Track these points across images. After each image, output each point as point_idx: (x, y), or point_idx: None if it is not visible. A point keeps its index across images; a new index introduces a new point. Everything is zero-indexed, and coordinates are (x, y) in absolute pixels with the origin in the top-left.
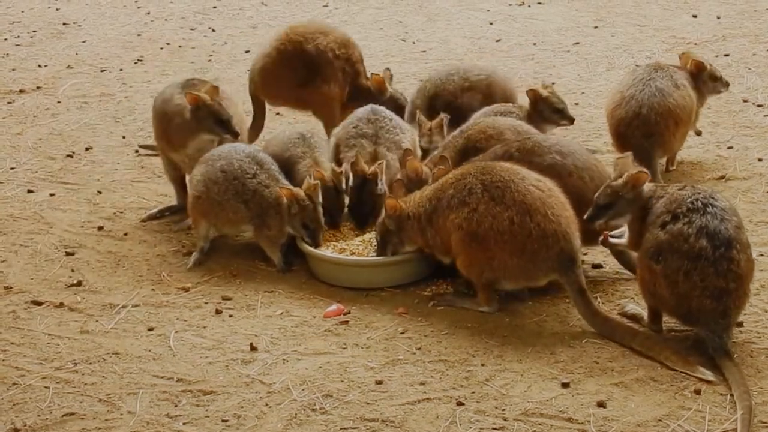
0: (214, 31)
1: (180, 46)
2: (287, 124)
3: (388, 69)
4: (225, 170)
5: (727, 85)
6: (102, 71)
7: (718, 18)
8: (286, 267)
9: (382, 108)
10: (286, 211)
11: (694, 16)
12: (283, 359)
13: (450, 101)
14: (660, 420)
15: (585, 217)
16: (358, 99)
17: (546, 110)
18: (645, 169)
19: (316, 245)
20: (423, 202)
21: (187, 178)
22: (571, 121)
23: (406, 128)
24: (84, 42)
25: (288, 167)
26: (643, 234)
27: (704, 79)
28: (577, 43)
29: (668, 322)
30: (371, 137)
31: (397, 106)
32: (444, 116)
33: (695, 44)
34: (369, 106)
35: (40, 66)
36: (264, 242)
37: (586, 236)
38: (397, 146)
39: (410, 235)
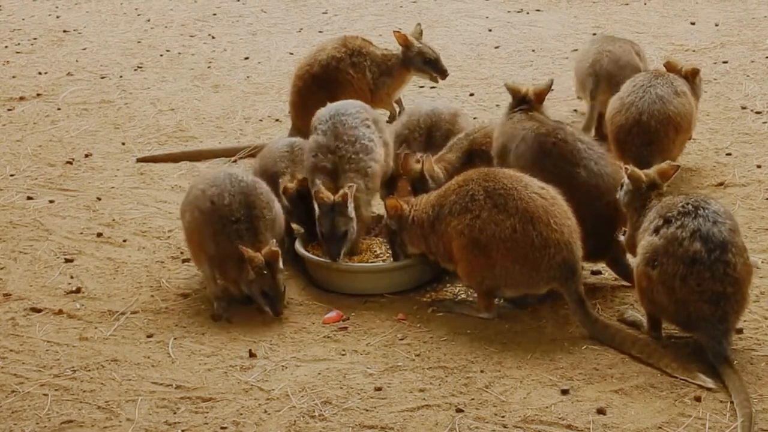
0: (213, 38)
1: (179, 53)
2: (286, 130)
3: (419, 24)
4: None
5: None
6: (102, 78)
7: (717, 25)
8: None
9: (346, 128)
10: (245, 273)
11: (693, 24)
12: (282, 366)
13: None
14: (660, 427)
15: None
16: (390, 70)
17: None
18: (647, 171)
19: (276, 314)
20: (426, 209)
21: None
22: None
23: (372, 148)
24: (84, 49)
25: (275, 182)
26: (636, 236)
27: (697, 83)
28: (576, 49)
29: (668, 328)
30: (330, 172)
31: (425, 60)
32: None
33: (693, 51)
34: (332, 126)
35: (40, 73)
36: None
37: (594, 252)
38: (362, 173)
39: (412, 238)
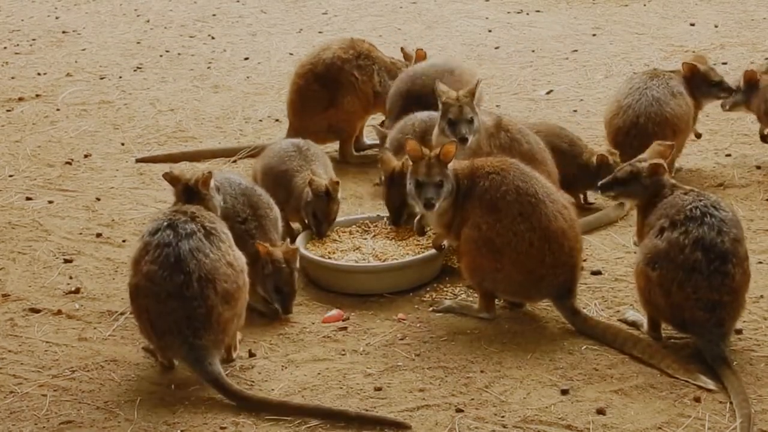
0: (213, 38)
1: (179, 54)
2: (285, 131)
3: (421, 49)
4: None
5: (727, 90)
6: (101, 79)
7: (716, 26)
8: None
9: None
10: (260, 269)
11: (692, 25)
12: (282, 366)
13: None
14: (659, 428)
15: (599, 183)
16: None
17: (703, 85)
18: (664, 162)
19: (286, 312)
20: (462, 176)
21: None
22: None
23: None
24: (83, 50)
25: (285, 181)
26: (644, 227)
27: (697, 83)
28: (576, 50)
29: (667, 329)
30: None
31: None
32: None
33: (693, 52)
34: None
35: (39, 74)
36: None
37: None
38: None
39: (448, 200)
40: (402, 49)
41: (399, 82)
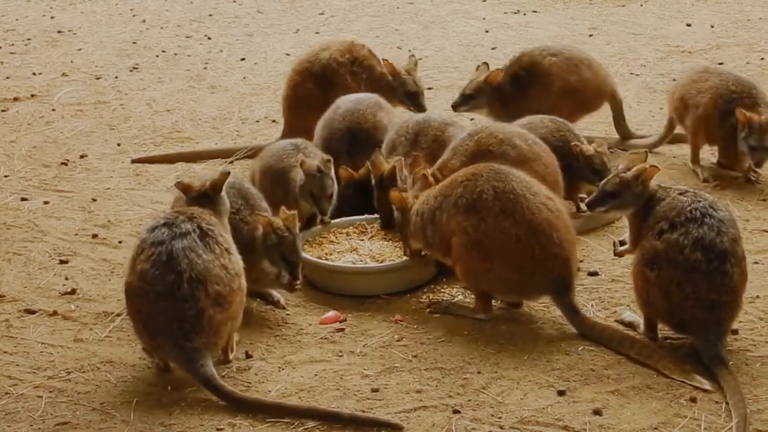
0: (209, 38)
1: (175, 54)
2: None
3: (413, 55)
4: None
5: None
6: (97, 79)
7: (712, 27)
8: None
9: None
10: (262, 242)
11: (688, 25)
12: (279, 367)
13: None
14: (656, 428)
15: (586, 201)
16: (381, 91)
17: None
18: (656, 165)
19: (295, 279)
20: (429, 200)
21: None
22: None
23: None
24: (79, 50)
25: (283, 180)
26: (641, 232)
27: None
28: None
29: (663, 329)
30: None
31: (405, 92)
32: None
33: (690, 53)
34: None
35: (34, 74)
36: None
37: None
38: None
39: (413, 231)
40: (384, 60)
41: (333, 122)
